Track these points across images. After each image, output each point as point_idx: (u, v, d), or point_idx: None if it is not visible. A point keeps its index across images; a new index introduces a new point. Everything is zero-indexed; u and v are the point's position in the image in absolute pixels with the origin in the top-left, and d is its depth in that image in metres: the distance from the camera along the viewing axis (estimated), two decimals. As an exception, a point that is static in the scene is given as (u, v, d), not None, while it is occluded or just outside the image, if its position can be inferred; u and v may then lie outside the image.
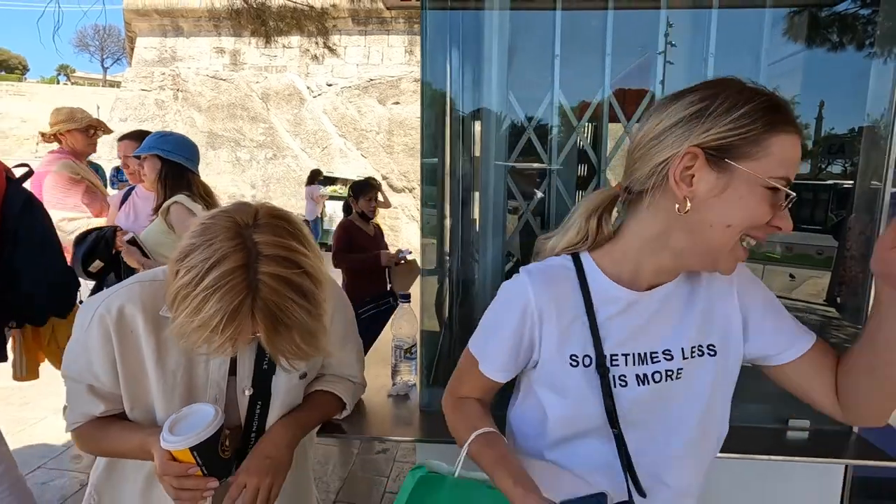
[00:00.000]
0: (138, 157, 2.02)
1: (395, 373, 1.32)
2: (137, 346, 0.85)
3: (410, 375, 1.31)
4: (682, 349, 0.71)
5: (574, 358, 0.71)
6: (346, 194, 9.53)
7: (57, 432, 2.82)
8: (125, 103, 12.13)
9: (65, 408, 0.96)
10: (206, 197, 2.04)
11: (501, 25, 1.18)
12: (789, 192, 0.60)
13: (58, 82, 42.02)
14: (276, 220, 0.76)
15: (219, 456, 0.79)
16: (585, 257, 0.74)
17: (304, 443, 1.01)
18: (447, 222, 1.41)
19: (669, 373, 0.71)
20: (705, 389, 0.72)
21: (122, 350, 0.84)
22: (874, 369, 0.64)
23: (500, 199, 1.24)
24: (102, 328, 0.83)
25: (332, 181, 9.91)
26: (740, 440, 1.11)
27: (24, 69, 50.46)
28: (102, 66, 46.43)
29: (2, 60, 48.63)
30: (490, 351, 0.78)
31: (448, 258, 1.40)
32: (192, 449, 0.76)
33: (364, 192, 3.18)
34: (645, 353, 0.71)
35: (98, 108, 27.60)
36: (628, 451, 0.71)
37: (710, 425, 0.74)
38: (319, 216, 9.38)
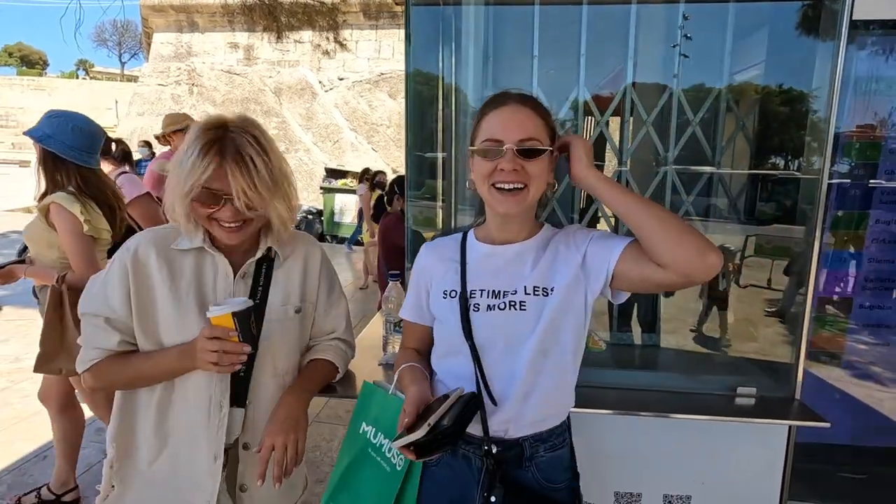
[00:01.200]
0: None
1: (385, 344, 1.46)
2: (149, 278, 0.99)
3: (399, 346, 1.45)
4: (525, 287, 0.93)
5: (445, 293, 1.00)
6: (353, 185, 9.35)
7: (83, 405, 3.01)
8: (142, 98, 12.42)
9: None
10: (98, 195, 1.82)
11: (477, 22, 1.28)
12: (490, 147, 0.91)
13: (77, 77, 42.81)
14: (246, 118, 0.99)
15: (250, 329, 0.94)
16: (470, 231, 1.07)
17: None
18: (440, 212, 1.53)
19: (513, 304, 0.93)
20: (543, 319, 0.92)
21: (136, 282, 0.98)
22: (640, 238, 0.87)
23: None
24: (120, 264, 0.99)
25: (342, 174, 10.03)
26: (693, 405, 1.24)
27: (45, 64, 51.44)
28: (120, 60, 47.23)
29: (23, 55, 49.61)
30: (406, 301, 1.12)
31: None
32: (234, 315, 0.90)
33: None
34: (498, 290, 0.95)
35: (116, 102, 28.12)
36: (482, 364, 0.93)
37: (549, 346, 0.92)
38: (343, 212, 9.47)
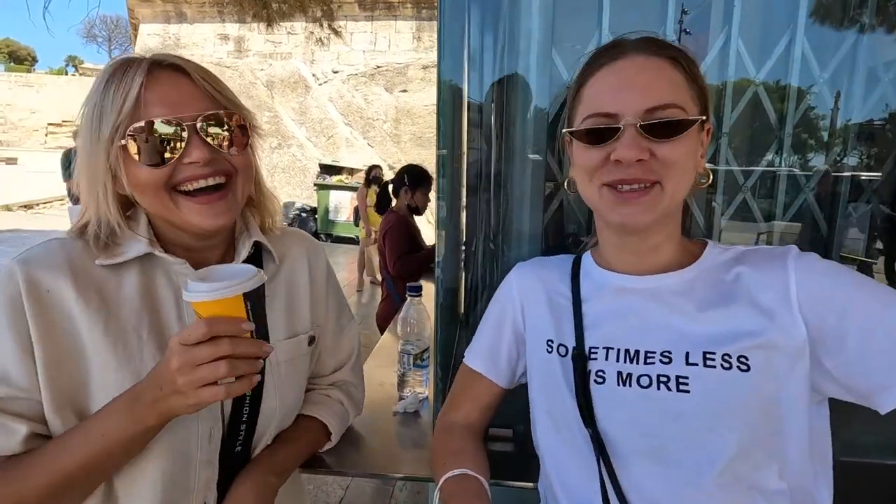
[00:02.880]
0: None
1: (401, 383, 1.07)
2: (64, 310, 0.59)
3: (422, 388, 1.06)
4: (687, 353, 0.57)
5: (550, 344, 0.67)
6: (354, 180, 9.26)
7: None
8: (129, 91, 11.97)
9: None
10: None
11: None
12: (596, 127, 0.58)
13: (66, 73, 42.07)
14: None
15: (264, 316, 0.56)
16: (587, 254, 0.72)
17: None
18: (463, 214, 1.15)
19: (663, 379, 0.57)
20: (730, 417, 0.54)
21: (39, 320, 0.58)
22: None
23: (538, 184, 0.98)
24: (8, 292, 0.58)
25: (337, 171, 9.70)
26: (853, 483, 0.85)
27: (33, 60, 50.63)
28: (110, 56, 46.43)
29: (10, 51, 48.82)
30: (475, 341, 0.78)
31: (464, 250, 1.14)
32: (246, 297, 0.52)
33: (423, 182, 2.62)
34: (636, 351, 0.60)
35: (105, 98, 27.62)
36: (613, 467, 0.57)
37: (743, 469, 0.53)
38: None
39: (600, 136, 0.57)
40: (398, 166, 10.80)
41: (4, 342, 0.57)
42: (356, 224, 7.48)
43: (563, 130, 0.63)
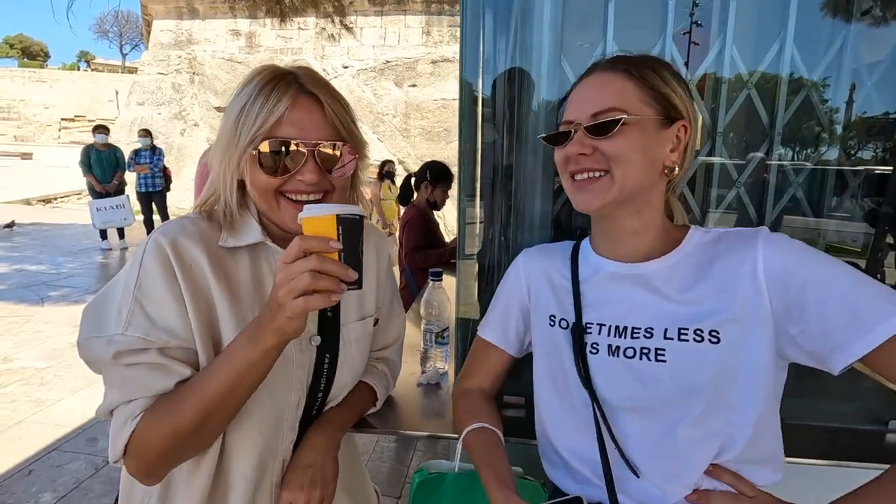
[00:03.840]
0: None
1: (424, 359, 1.19)
2: (203, 282, 0.68)
3: (443, 362, 1.18)
4: (666, 329, 0.66)
5: (552, 318, 0.77)
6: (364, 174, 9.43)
7: (72, 415, 2.77)
8: (142, 87, 12.13)
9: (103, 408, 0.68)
10: None
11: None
12: (559, 130, 0.72)
13: (78, 69, 42.49)
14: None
15: (359, 253, 0.61)
16: (585, 240, 0.81)
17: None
18: (477, 205, 1.26)
19: (645, 351, 0.67)
20: (700, 383, 0.64)
21: (188, 285, 0.66)
22: None
23: (545, 161, 1.08)
24: (161, 260, 0.66)
25: (348, 165, 9.78)
26: (829, 444, 0.95)
27: (46, 56, 51.14)
28: (121, 52, 46.83)
29: (24, 47, 49.31)
30: (487, 316, 0.88)
31: (480, 238, 1.25)
32: (339, 220, 0.58)
33: (444, 179, 2.72)
34: (624, 327, 0.70)
35: (117, 93, 27.91)
36: (609, 423, 0.68)
37: (711, 425, 0.64)
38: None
39: (563, 138, 0.71)
40: (408, 160, 10.88)
41: (167, 302, 0.65)
42: (369, 217, 7.58)
43: (538, 137, 0.76)
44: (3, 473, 2.27)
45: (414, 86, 11.32)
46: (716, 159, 1.17)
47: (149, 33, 12.62)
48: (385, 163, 6.15)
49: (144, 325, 0.64)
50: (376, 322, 0.89)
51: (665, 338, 0.66)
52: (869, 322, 0.57)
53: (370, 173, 9.03)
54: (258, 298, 0.72)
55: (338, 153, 0.71)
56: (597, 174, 0.68)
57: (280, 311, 0.58)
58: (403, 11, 11.50)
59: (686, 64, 1.16)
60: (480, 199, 1.22)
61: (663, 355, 0.66)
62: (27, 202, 10.72)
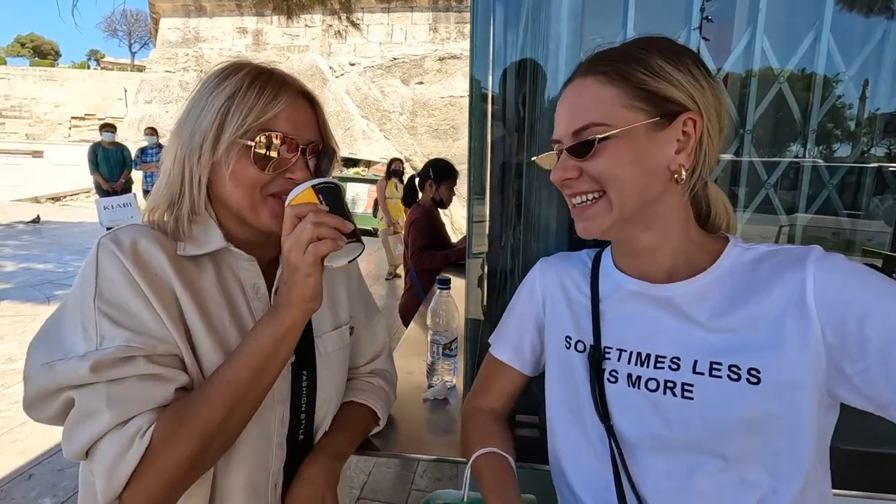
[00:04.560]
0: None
1: (431, 371, 1.12)
2: (171, 292, 0.61)
3: (450, 376, 1.11)
4: (696, 361, 0.58)
5: (568, 339, 0.70)
6: (371, 172, 9.28)
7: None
8: (150, 85, 12.17)
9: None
10: None
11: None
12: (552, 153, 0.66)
13: (88, 67, 42.84)
14: None
15: (346, 212, 0.64)
16: (607, 250, 0.73)
17: None
18: (486, 206, 1.19)
19: (670, 385, 0.59)
20: (734, 426, 0.55)
21: (154, 294, 0.60)
22: None
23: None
24: (121, 268, 0.59)
25: (354, 163, 9.76)
26: (867, 471, 0.87)
27: (57, 55, 51.64)
28: (130, 50, 47.14)
29: (35, 46, 49.82)
30: (499, 332, 0.82)
31: (490, 243, 1.18)
32: (315, 190, 0.62)
33: (449, 177, 2.68)
34: (647, 355, 0.62)
35: (125, 91, 28.11)
36: (626, 462, 0.61)
37: (748, 473, 0.56)
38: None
39: (551, 160, 0.65)
40: (415, 158, 10.83)
41: (139, 307, 0.59)
42: (374, 215, 7.55)
43: (532, 159, 0.71)
44: (4, 477, 2.24)
45: (421, 83, 11.25)
46: (744, 158, 1.09)
47: (156, 31, 12.65)
48: (393, 161, 6.09)
49: (122, 333, 0.57)
50: (352, 331, 0.84)
51: (694, 372, 0.58)
52: None
53: (377, 171, 8.97)
54: (227, 307, 0.66)
55: (321, 154, 0.70)
56: (590, 197, 0.61)
57: (296, 273, 0.60)
58: (410, 8, 11.42)
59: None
60: (489, 199, 1.15)
61: (691, 392, 0.57)
62: (36, 200, 10.78)
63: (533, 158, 0.68)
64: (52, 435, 2.55)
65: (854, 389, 0.53)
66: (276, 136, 0.63)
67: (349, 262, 0.66)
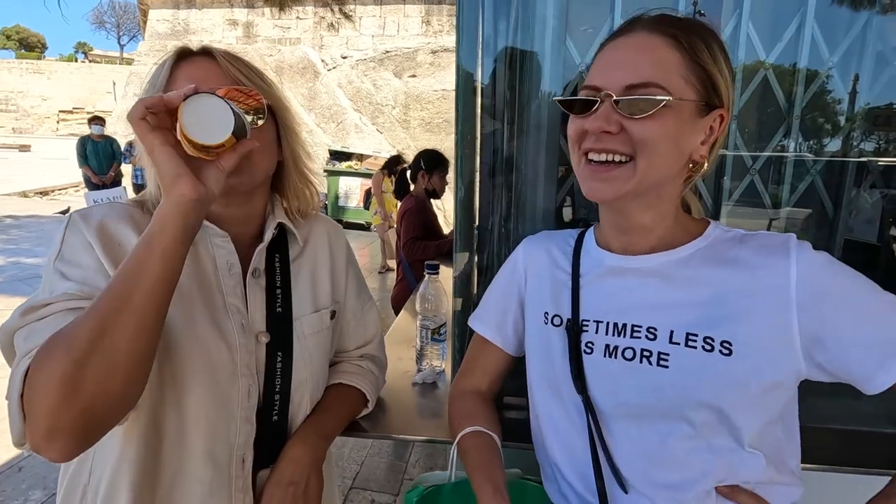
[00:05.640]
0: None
1: (420, 356, 1.13)
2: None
3: (439, 360, 1.12)
4: (672, 331, 0.59)
5: (546, 315, 0.71)
6: (363, 166, 9.21)
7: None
8: (139, 78, 12.01)
9: None
10: None
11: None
12: (580, 97, 0.61)
13: (76, 60, 42.21)
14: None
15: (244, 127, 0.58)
16: (590, 230, 0.73)
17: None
18: (476, 196, 1.19)
19: (647, 353, 0.60)
20: (705, 395, 0.57)
21: (107, 255, 0.62)
22: None
23: (549, 138, 1.02)
24: (82, 236, 0.62)
25: (347, 157, 9.73)
26: (853, 449, 0.90)
27: (44, 47, 50.82)
28: (119, 43, 46.49)
29: (21, 38, 48.99)
30: (482, 309, 0.83)
31: (478, 230, 1.19)
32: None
33: (440, 166, 2.70)
34: (623, 324, 0.63)
35: (114, 84, 27.76)
36: (602, 432, 0.62)
37: (715, 441, 0.58)
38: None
39: (583, 106, 0.59)
40: (408, 152, 10.80)
41: (92, 265, 0.61)
42: (366, 208, 7.53)
43: (553, 98, 0.67)
44: (-7, 470, 2.23)
45: (414, 76, 11.20)
46: (729, 152, 1.10)
47: (145, 23, 12.48)
48: (396, 160, 5.77)
49: (67, 284, 0.59)
50: (333, 315, 0.83)
51: (671, 342, 0.59)
52: None
53: (374, 165, 8.94)
54: (196, 277, 0.68)
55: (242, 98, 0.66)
56: (616, 158, 0.58)
57: (150, 156, 0.55)
58: (403, 1, 11.35)
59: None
60: (479, 189, 1.15)
61: (666, 361, 0.59)
62: (24, 195, 10.65)
63: (555, 98, 0.65)
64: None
65: (822, 371, 0.57)
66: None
67: (228, 135, 0.55)
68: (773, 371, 0.56)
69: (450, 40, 10.95)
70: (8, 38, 48.63)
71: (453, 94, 1.12)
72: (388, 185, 5.75)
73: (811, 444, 0.68)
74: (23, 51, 46.35)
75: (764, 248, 0.59)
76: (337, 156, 9.73)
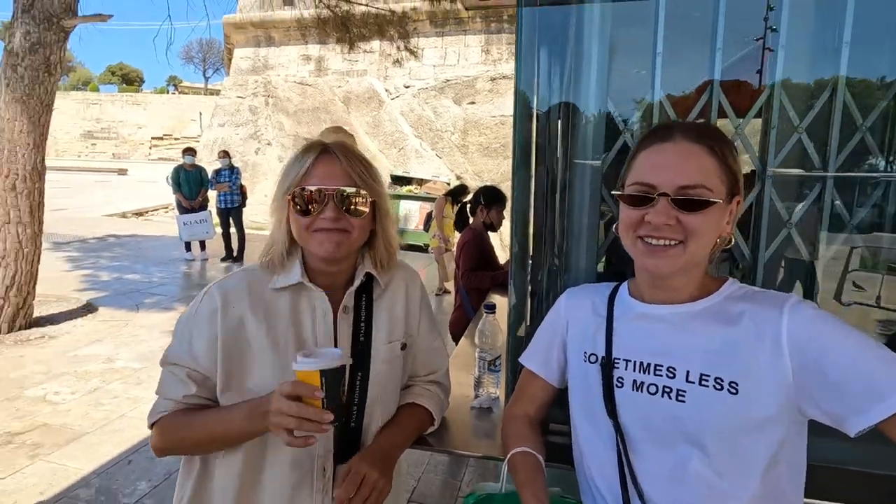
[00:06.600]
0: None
1: (478, 384, 1.30)
2: (243, 324, 0.88)
3: (494, 388, 1.28)
4: (688, 371, 0.72)
5: (584, 354, 0.85)
6: (423, 190, 9.44)
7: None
8: (223, 110, 13.21)
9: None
10: None
11: (603, 21, 1.10)
12: (636, 193, 0.75)
13: (167, 92, 46.67)
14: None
15: (339, 394, 0.78)
16: (625, 282, 0.88)
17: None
18: (531, 229, 1.35)
19: (667, 390, 0.74)
20: (716, 427, 0.70)
21: (224, 326, 0.87)
22: None
23: (591, 202, 1.17)
24: (209, 309, 0.88)
25: (407, 181, 10.12)
26: (867, 492, 0.96)
27: (141, 81, 56.62)
28: (204, 76, 51.03)
29: (123, 74, 54.88)
30: (530, 347, 0.98)
31: (531, 265, 1.34)
32: (322, 373, 0.75)
33: (500, 201, 2.92)
34: (648, 364, 0.76)
35: (200, 114, 30.42)
36: (629, 453, 0.76)
37: (722, 467, 0.70)
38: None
39: (640, 200, 0.74)
40: (466, 176, 11.04)
41: (201, 339, 0.87)
42: (426, 230, 7.78)
43: (612, 193, 0.83)
44: (108, 461, 2.61)
45: (473, 103, 11.55)
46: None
47: (230, 61, 13.74)
48: (461, 189, 5.94)
49: (181, 350, 0.90)
50: (404, 346, 1.01)
51: (687, 381, 0.72)
52: (884, 390, 0.62)
53: (433, 189, 9.27)
54: (293, 328, 0.90)
55: (353, 198, 0.87)
56: (671, 242, 0.72)
57: (269, 422, 0.78)
58: (464, 31, 11.80)
59: (759, 72, 1.19)
60: (533, 222, 1.31)
61: (683, 397, 0.72)
62: (123, 215, 11.93)
63: (614, 192, 0.81)
64: (145, 427, 2.92)
65: (817, 408, 0.68)
66: (306, 190, 0.86)
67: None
68: (775, 407, 0.69)
69: (508, 68, 11.22)
70: (113, 73, 54.77)
71: (510, 119, 1.29)
72: (450, 210, 5.98)
73: (825, 484, 0.77)
74: (124, 85, 51.95)
75: (766, 302, 0.73)
76: (398, 180, 10.15)
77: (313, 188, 0.85)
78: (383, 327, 0.97)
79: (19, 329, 4.29)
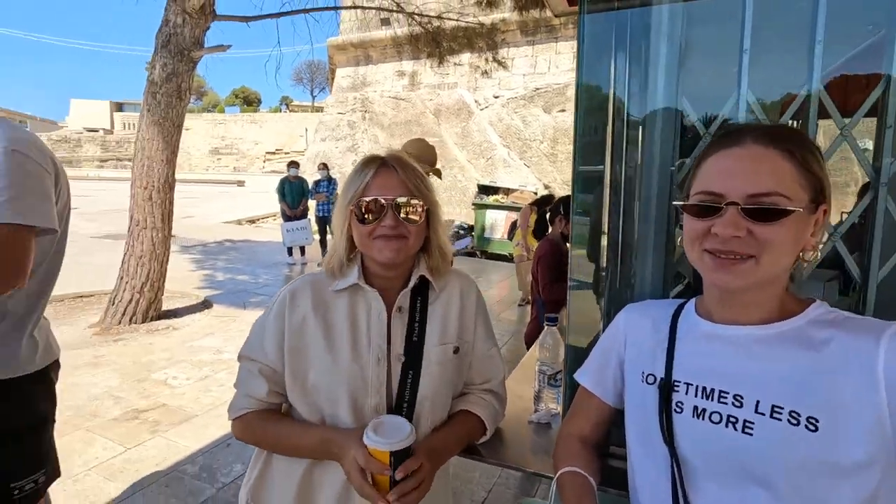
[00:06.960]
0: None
1: (537, 398, 1.26)
2: (304, 324, 0.95)
3: (555, 403, 1.24)
4: (758, 402, 0.64)
5: (643, 374, 0.78)
6: (509, 199, 9.42)
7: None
8: (325, 125, 14.26)
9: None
10: None
11: (672, 21, 1.04)
12: (701, 203, 0.68)
13: (280, 111, 51.43)
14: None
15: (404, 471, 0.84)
16: (692, 300, 0.81)
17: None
18: (604, 238, 1.29)
19: (732, 420, 0.65)
20: (789, 467, 0.61)
21: (290, 324, 0.95)
22: None
23: (662, 211, 1.09)
24: (279, 308, 0.97)
25: (494, 191, 10.14)
26: None
27: (259, 102, 63.01)
28: (311, 95, 55.43)
29: (245, 96, 61.49)
30: (586, 364, 0.93)
31: (604, 275, 1.28)
32: (392, 453, 0.81)
33: None
34: (712, 389, 0.69)
35: (306, 130, 33.18)
36: (684, 484, 0.69)
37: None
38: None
39: (705, 211, 0.67)
40: (554, 185, 10.80)
41: (271, 336, 0.95)
42: (510, 239, 7.73)
43: (674, 203, 0.77)
44: (212, 442, 2.91)
45: (563, 111, 11.30)
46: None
47: (332, 80, 14.82)
48: (547, 199, 5.95)
49: (255, 347, 0.98)
50: (456, 350, 1.02)
51: (756, 411, 0.64)
52: None
53: (519, 199, 9.19)
54: (349, 325, 0.96)
55: (409, 206, 0.92)
56: (742, 255, 0.65)
57: (343, 465, 0.87)
58: (555, 38, 11.62)
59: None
60: (606, 235, 1.25)
61: (751, 429, 0.64)
62: (238, 222, 13.31)
63: (676, 203, 0.75)
64: (243, 414, 3.22)
65: None
66: (367, 201, 0.91)
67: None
68: (865, 450, 0.59)
69: (602, 73, 10.83)
70: (236, 96, 61.65)
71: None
72: (535, 220, 5.89)
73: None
74: (245, 106, 58.20)
75: (860, 329, 0.63)
76: (485, 190, 10.21)
77: (373, 198, 0.91)
78: (436, 329, 1.00)
79: (150, 320, 4.97)
